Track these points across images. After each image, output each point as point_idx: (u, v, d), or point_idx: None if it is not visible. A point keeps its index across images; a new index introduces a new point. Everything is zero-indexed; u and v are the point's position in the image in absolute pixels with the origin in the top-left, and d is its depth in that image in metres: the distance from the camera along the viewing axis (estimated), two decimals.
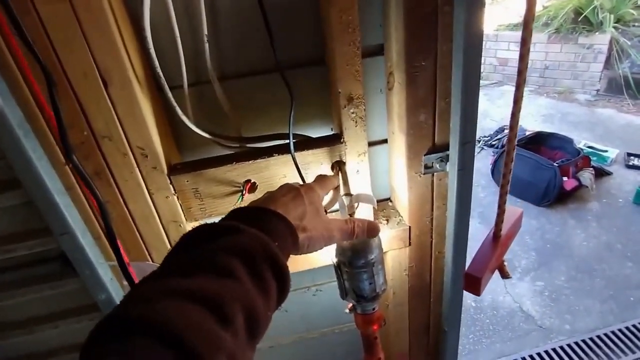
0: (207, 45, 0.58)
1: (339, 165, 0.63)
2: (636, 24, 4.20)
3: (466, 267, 0.70)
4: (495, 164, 3.03)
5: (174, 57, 0.57)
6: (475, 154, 0.62)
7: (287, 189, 0.48)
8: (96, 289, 0.63)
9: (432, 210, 0.72)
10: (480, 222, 2.66)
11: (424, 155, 0.66)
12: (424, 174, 0.68)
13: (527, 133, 3.24)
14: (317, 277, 0.86)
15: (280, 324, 0.90)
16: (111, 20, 0.49)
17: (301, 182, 0.58)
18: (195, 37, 0.58)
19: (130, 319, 0.27)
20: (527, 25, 0.39)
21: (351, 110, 0.59)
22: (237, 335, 0.30)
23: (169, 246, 0.66)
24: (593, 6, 4.18)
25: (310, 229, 0.45)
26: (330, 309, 0.90)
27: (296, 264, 0.73)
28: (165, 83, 0.56)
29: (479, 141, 3.57)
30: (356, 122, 0.60)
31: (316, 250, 0.47)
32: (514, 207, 0.48)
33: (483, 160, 3.28)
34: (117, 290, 0.66)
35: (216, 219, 0.66)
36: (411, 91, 0.60)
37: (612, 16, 4.13)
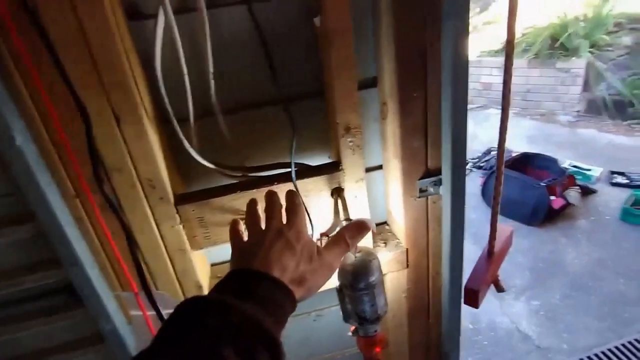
0: (212, 82, 0.62)
1: (337, 192, 0.66)
2: (609, 48, 4.43)
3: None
4: (484, 184, 3.10)
5: (181, 92, 0.60)
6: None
7: (274, 235, 0.46)
8: (102, 320, 0.64)
9: (428, 232, 0.75)
10: (474, 243, 2.68)
11: (418, 179, 0.70)
12: (418, 197, 0.71)
13: (513, 154, 3.34)
14: (317, 302, 0.86)
15: None
16: (124, 61, 0.53)
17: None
18: (200, 73, 0.62)
19: None
20: (508, 56, 0.44)
21: (349, 139, 0.63)
22: None
23: (173, 275, 0.68)
24: (568, 33, 4.41)
25: (308, 277, 0.44)
26: (331, 335, 0.91)
27: None
28: (174, 118, 0.59)
29: (468, 163, 3.66)
30: (354, 150, 0.64)
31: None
32: (505, 225, 0.51)
33: (472, 182, 3.35)
34: (121, 321, 0.67)
35: (220, 247, 0.68)
36: (404, 120, 0.65)
37: (587, 42, 4.36)
